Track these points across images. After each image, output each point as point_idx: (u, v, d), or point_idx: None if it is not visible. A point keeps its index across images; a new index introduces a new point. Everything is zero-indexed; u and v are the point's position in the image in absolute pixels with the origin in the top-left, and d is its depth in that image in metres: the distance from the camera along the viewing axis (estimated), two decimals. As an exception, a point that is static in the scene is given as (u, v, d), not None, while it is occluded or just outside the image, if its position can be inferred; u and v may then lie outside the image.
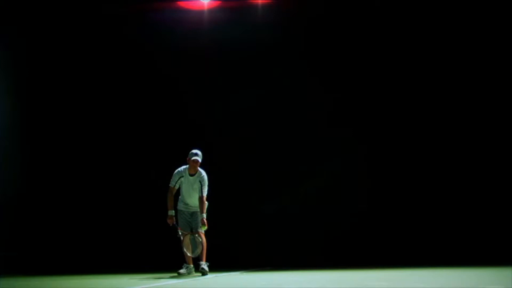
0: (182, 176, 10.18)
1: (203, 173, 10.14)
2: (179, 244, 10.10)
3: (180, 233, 10.01)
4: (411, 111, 12.75)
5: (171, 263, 10.57)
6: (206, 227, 9.96)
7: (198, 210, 10.07)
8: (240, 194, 12.73)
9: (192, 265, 10.09)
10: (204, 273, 9.85)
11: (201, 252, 9.96)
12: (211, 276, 9.69)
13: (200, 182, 10.07)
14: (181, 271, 10.04)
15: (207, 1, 12.98)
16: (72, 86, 13.05)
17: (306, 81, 12.77)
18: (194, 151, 10.12)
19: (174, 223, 10.07)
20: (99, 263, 12.28)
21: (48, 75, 13.04)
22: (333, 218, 12.57)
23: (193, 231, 10.08)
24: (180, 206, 10.21)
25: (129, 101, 13.00)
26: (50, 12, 12.98)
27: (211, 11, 13.01)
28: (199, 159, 10.08)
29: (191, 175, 10.13)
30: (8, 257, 11.88)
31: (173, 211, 10.07)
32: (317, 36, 12.91)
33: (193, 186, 10.10)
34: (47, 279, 10.14)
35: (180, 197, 10.22)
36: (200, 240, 9.94)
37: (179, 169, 10.22)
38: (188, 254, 10.04)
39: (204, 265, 9.94)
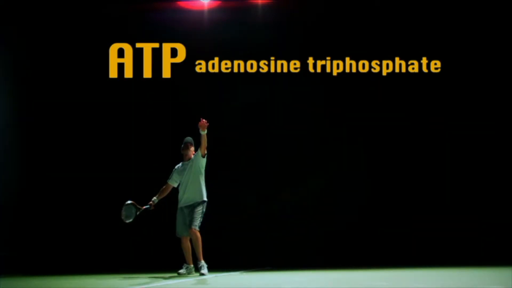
0: (178, 168, 10.22)
1: None
2: (178, 244, 10.12)
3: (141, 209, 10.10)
4: (411, 111, 12.75)
5: (171, 263, 10.57)
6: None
7: (198, 200, 10.00)
8: (239, 194, 12.73)
9: (192, 265, 10.09)
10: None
11: (198, 250, 9.93)
12: (211, 276, 9.68)
13: (196, 157, 10.06)
14: (181, 271, 10.04)
15: (207, 1, 12.98)
16: (72, 86, 13.03)
17: (306, 81, 12.75)
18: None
19: (148, 207, 10.11)
20: (99, 263, 12.27)
21: (48, 75, 13.02)
22: (333, 218, 12.57)
23: (189, 226, 10.02)
24: (180, 203, 10.16)
25: (129, 101, 12.99)
26: (50, 12, 12.97)
27: (211, 11, 13.00)
28: (191, 142, 10.16)
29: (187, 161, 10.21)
30: (8, 257, 11.88)
31: (156, 199, 10.16)
32: (317, 37, 12.90)
33: (191, 169, 10.06)
34: (47, 279, 10.15)
35: (179, 195, 10.22)
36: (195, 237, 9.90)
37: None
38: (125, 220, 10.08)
39: (203, 269, 9.90)
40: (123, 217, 10.12)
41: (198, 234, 9.92)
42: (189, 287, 8.40)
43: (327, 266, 11.48)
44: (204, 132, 9.91)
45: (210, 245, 10.37)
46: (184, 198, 10.11)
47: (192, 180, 10.09)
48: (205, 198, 10.11)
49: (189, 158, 10.20)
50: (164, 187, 10.31)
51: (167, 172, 10.43)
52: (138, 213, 10.11)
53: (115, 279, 9.69)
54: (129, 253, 12.53)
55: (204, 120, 9.91)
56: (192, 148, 10.25)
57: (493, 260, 11.38)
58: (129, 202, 10.15)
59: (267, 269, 11.46)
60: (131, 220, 10.11)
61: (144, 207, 10.14)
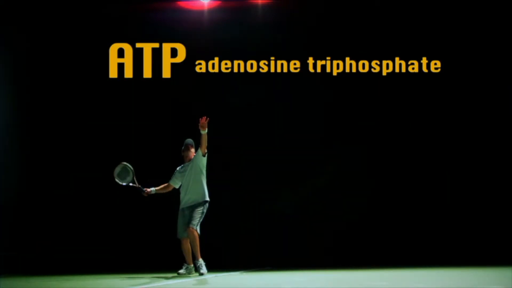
0: (179, 169, 10.23)
1: None
2: (179, 244, 10.11)
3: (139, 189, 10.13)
4: (410, 111, 12.76)
5: (171, 263, 10.57)
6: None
7: (199, 200, 10.00)
8: (240, 194, 12.73)
9: (192, 265, 10.08)
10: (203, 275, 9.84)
11: (196, 249, 9.92)
12: (211, 276, 9.68)
13: (196, 156, 10.07)
14: (181, 271, 10.03)
15: (207, 1, 12.98)
16: (72, 86, 13.04)
17: (306, 81, 12.75)
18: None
19: (142, 190, 10.15)
20: (99, 263, 12.27)
21: (48, 75, 13.03)
22: (333, 218, 12.57)
23: (187, 225, 10.00)
24: (182, 204, 10.16)
25: (130, 101, 12.99)
26: (50, 12, 12.97)
27: (211, 11, 13.01)
28: (191, 144, 10.17)
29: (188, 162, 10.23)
30: (8, 257, 11.87)
31: (154, 190, 10.22)
32: (317, 37, 12.90)
33: (191, 169, 10.07)
34: (47, 279, 10.14)
35: (180, 196, 10.22)
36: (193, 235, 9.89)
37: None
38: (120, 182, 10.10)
39: (202, 267, 9.89)
40: (115, 174, 10.15)
41: (196, 233, 9.91)
42: (189, 287, 8.40)
43: (327, 266, 11.48)
44: (204, 132, 9.91)
45: (210, 245, 10.37)
46: (186, 199, 10.12)
47: (193, 180, 10.09)
48: (207, 198, 10.12)
49: (190, 160, 10.21)
50: (165, 184, 10.34)
51: (167, 172, 10.43)
52: (131, 184, 10.13)
53: (115, 279, 9.68)
54: (130, 253, 12.53)
55: (204, 117, 9.91)
56: (193, 150, 10.26)
57: (493, 260, 11.38)
58: (129, 165, 10.13)
59: (267, 269, 11.46)
60: (122, 183, 10.12)
61: (140, 186, 10.15)
